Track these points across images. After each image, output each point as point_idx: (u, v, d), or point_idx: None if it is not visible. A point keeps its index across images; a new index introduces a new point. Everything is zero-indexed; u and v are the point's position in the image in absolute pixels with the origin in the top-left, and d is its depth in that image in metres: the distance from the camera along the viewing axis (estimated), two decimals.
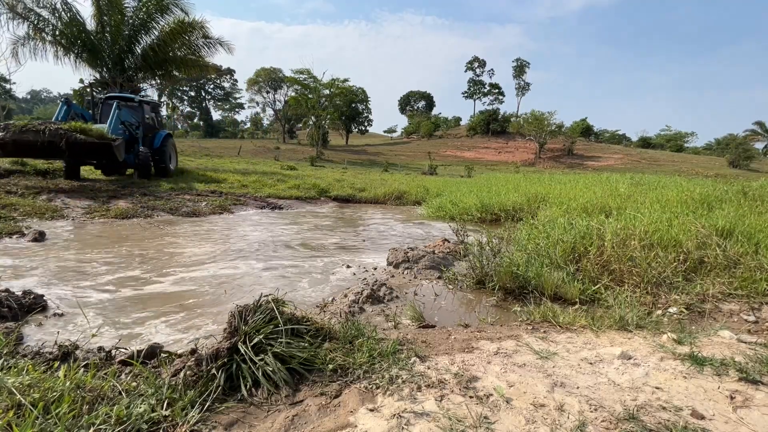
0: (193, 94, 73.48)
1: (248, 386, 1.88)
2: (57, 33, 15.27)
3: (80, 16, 15.44)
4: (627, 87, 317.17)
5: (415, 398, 1.84)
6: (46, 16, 14.97)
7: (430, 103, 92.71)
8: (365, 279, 4.30)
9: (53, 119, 10.49)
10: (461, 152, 61.20)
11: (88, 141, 9.45)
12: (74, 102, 12.65)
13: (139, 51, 16.50)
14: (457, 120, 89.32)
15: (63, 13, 15.03)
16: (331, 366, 2.07)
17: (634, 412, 1.76)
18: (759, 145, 63.65)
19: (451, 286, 4.10)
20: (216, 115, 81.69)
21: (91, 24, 15.66)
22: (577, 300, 3.44)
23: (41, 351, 2.27)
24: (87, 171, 12.59)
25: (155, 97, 22.67)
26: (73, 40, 15.35)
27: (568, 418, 1.72)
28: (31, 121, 10.13)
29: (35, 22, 14.86)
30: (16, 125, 9.48)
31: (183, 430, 1.56)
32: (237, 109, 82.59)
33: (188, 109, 76.99)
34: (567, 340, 2.63)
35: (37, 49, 15.41)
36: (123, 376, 1.95)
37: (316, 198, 12.65)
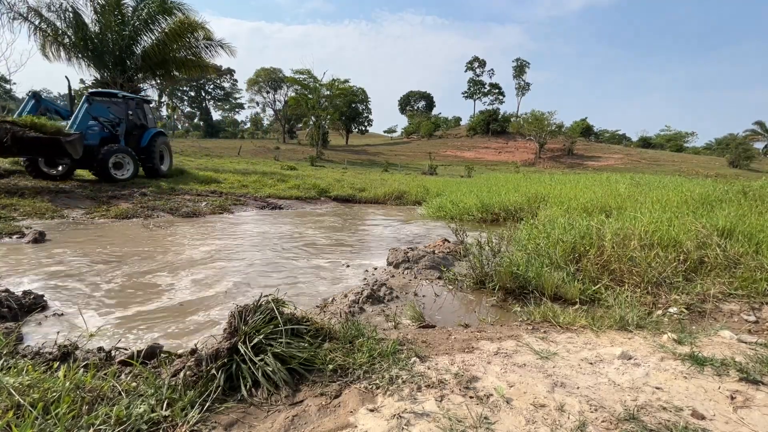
0: (193, 94, 73.53)
1: (248, 386, 1.87)
2: (59, 33, 15.31)
3: (84, 16, 15.51)
4: (627, 87, 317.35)
5: (415, 398, 1.84)
6: (53, 19, 15.04)
7: (430, 103, 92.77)
8: (365, 279, 4.30)
9: (16, 114, 9.74)
10: (461, 152, 61.23)
11: (35, 136, 8.54)
12: (45, 97, 11.92)
13: (139, 51, 16.51)
14: (457, 120, 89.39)
15: (69, 15, 15.08)
16: (331, 366, 2.07)
17: (635, 412, 1.76)
18: (759, 145, 63.79)
19: (451, 286, 4.09)
20: (216, 115, 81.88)
21: (93, 25, 15.70)
22: (578, 300, 3.44)
23: (41, 351, 2.27)
24: (86, 173, 12.48)
25: (155, 97, 22.57)
26: (77, 42, 15.39)
27: (569, 418, 1.72)
28: None
29: (38, 24, 14.88)
30: None
31: (183, 430, 1.56)
32: (237, 109, 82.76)
33: (188, 109, 77.05)
34: (567, 340, 2.63)
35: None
36: (123, 377, 1.95)
37: (316, 198, 12.64)
